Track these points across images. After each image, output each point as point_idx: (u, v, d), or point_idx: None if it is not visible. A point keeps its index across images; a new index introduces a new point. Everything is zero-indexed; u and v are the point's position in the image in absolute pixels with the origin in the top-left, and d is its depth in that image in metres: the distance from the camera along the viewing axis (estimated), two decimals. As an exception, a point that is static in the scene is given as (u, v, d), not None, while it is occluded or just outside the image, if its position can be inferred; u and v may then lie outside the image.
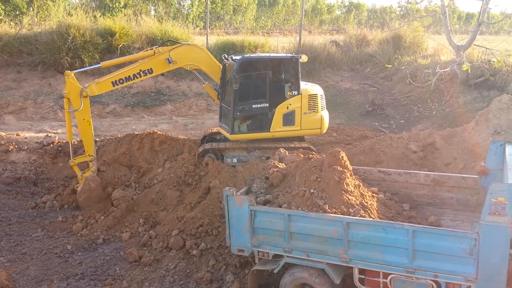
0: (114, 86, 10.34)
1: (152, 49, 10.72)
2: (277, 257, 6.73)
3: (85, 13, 21.35)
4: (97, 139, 12.94)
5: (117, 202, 10.12)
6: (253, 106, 10.72)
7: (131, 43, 20.08)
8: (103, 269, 8.26)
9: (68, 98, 10.02)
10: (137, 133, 12.73)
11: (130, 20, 22.45)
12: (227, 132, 10.92)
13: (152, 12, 29.58)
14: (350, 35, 25.13)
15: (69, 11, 22.91)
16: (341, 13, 47.25)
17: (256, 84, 10.82)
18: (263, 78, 10.67)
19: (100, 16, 22.17)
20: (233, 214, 6.80)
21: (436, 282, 5.78)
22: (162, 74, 19.79)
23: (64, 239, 9.31)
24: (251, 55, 11.79)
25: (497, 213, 5.28)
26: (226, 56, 11.26)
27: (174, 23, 22.79)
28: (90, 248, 9.02)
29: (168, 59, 10.43)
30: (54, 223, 10.02)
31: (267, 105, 10.72)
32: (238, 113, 10.65)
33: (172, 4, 29.83)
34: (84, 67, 11.90)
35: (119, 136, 13.09)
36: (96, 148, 11.75)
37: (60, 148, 12.80)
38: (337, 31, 36.78)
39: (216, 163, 10.59)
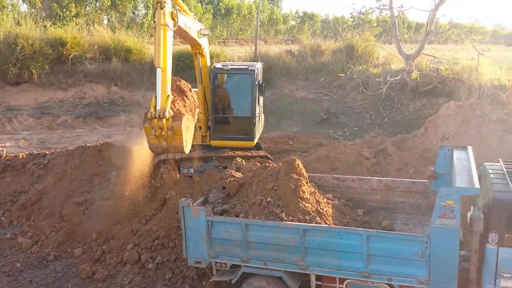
0: None
1: None
2: (235, 267, 6.70)
3: (35, 23, 20.74)
4: (47, 152, 12.50)
5: (68, 217, 9.75)
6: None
7: (83, 53, 19.62)
8: (54, 287, 7.97)
9: None
10: (89, 145, 12.36)
11: (82, 29, 21.97)
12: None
13: (105, 22, 29.00)
14: (304, 45, 25.56)
15: (18, 20, 22.15)
16: (296, 23, 47.86)
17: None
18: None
19: (50, 26, 21.58)
20: (190, 225, 6.72)
21: (390, 285, 5.90)
22: (116, 84, 19.47)
23: (13, 257, 8.92)
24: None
25: (446, 216, 5.46)
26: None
27: (128, 33, 22.44)
28: (41, 265, 8.68)
29: None
30: (3, 240, 9.59)
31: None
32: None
33: (125, 13, 29.34)
34: None
35: (70, 148, 12.66)
36: (46, 161, 11.30)
37: (8, 162, 12.27)
38: (292, 41, 37.23)
39: (172, 174, 10.42)
